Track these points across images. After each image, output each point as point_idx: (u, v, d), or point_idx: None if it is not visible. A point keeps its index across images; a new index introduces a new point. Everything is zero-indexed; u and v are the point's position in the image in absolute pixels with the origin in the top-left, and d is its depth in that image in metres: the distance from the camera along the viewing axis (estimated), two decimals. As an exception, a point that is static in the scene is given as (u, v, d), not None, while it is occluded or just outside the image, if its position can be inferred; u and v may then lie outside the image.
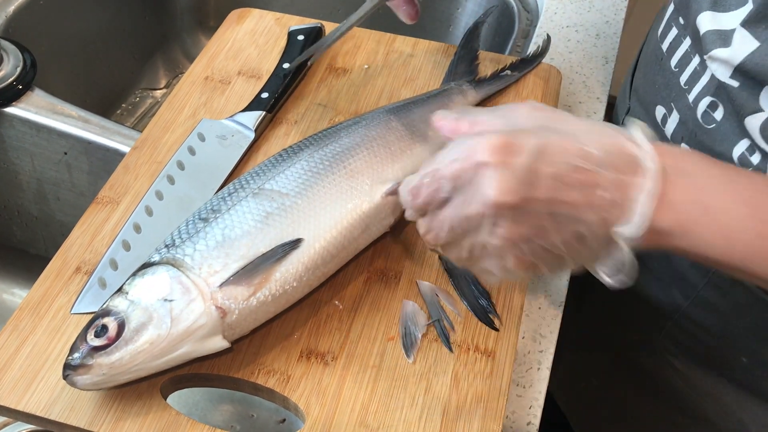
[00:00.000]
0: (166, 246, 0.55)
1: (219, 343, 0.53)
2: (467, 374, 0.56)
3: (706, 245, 0.45)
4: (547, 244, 0.45)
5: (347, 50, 0.81)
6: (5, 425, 0.75)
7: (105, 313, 0.52)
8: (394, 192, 0.58)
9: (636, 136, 0.46)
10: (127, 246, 0.63)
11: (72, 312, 0.59)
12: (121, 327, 0.51)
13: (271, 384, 0.55)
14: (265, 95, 0.74)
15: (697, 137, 0.60)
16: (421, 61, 0.81)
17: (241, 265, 0.53)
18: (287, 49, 0.78)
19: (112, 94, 1.06)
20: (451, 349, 0.57)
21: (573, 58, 0.88)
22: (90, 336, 0.51)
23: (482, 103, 0.75)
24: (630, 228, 0.44)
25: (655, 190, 0.44)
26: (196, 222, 0.56)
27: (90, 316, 0.58)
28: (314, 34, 0.79)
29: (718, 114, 0.58)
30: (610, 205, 0.44)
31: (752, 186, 0.46)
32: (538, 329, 0.64)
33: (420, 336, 0.58)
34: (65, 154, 0.77)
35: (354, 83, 0.78)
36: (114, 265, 0.62)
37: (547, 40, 0.79)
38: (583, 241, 0.45)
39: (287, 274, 0.54)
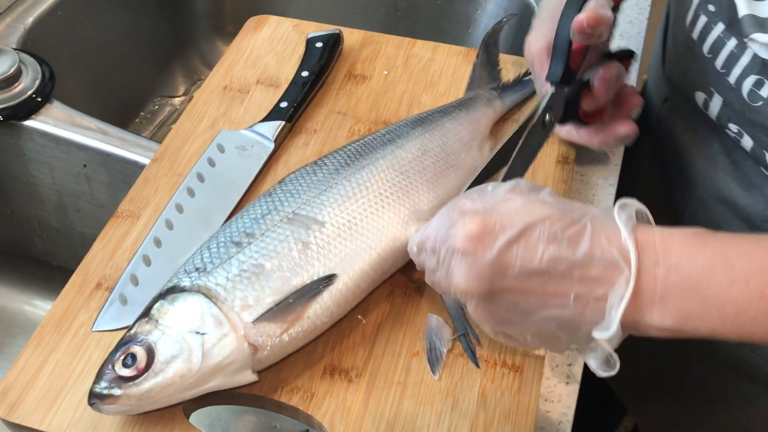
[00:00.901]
0: (197, 270, 0.53)
1: (248, 377, 0.52)
2: (494, 390, 0.55)
3: (704, 331, 0.44)
4: (522, 331, 0.47)
5: (366, 56, 0.80)
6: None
7: (134, 340, 0.51)
8: None
9: (620, 226, 0.44)
10: (147, 261, 0.62)
11: (93, 329, 0.58)
12: (150, 358, 0.49)
13: (294, 402, 0.55)
14: (284, 104, 0.73)
15: (746, 116, 0.60)
16: (441, 66, 0.79)
17: (275, 300, 0.52)
18: (306, 57, 0.77)
19: (130, 103, 1.05)
20: (477, 365, 0.56)
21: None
22: (118, 365, 0.50)
23: (509, 112, 0.74)
24: (606, 332, 0.44)
25: (629, 294, 0.43)
26: (228, 246, 0.54)
27: (111, 334, 0.58)
28: (333, 41, 0.78)
29: (765, 91, 0.57)
30: (581, 306, 0.44)
31: (747, 258, 0.44)
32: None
33: (445, 351, 0.57)
34: (84, 166, 0.77)
35: (374, 90, 0.77)
36: (135, 280, 0.61)
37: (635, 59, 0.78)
38: (557, 334, 0.46)
39: (319, 310, 0.53)
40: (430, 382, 0.56)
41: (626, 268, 0.43)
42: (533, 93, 0.75)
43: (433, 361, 0.56)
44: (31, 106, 0.77)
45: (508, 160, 0.57)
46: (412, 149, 0.62)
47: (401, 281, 0.61)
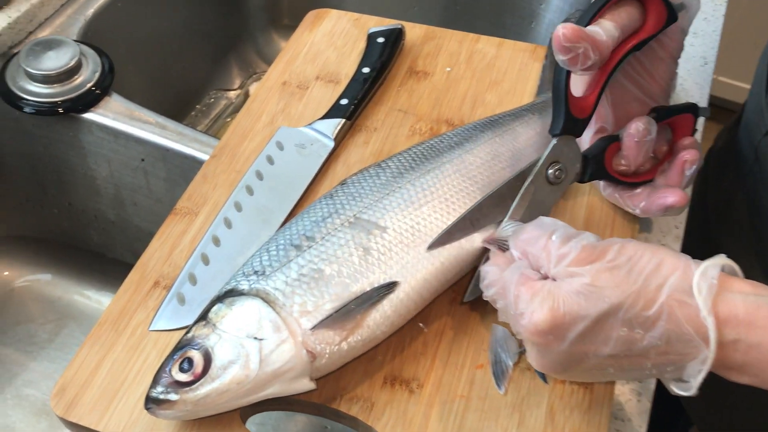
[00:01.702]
0: (256, 273, 0.52)
1: (306, 385, 0.50)
2: (563, 408, 0.52)
3: None
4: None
5: (428, 52, 0.78)
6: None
7: (191, 344, 0.49)
8: (490, 242, 0.55)
9: (700, 303, 0.42)
10: (206, 259, 0.61)
11: (150, 329, 0.57)
12: (207, 363, 0.48)
13: (354, 411, 0.53)
14: (344, 101, 0.71)
15: None
16: (506, 63, 0.76)
17: (334, 306, 0.50)
18: (367, 52, 0.75)
19: (186, 96, 1.05)
20: (545, 380, 0.54)
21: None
22: (175, 369, 0.49)
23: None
24: (686, 392, 0.44)
25: (707, 368, 0.43)
26: (288, 249, 0.53)
27: (168, 334, 0.57)
28: (395, 36, 0.76)
29: None
30: (658, 372, 0.44)
31: None
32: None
33: (512, 364, 0.54)
34: (142, 160, 0.76)
35: (436, 87, 0.74)
36: (193, 279, 0.60)
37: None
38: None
39: (379, 319, 0.51)
40: (495, 396, 0.53)
41: (705, 348, 0.42)
42: None
43: (499, 374, 0.54)
44: (90, 99, 0.76)
45: (507, 210, 0.55)
46: (481, 153, 0.59)
47: (465, 288, 0.59)
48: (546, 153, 0.56)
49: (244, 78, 1.12)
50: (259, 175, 0.66)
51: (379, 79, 0.74)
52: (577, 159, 0.57)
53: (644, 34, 0.56)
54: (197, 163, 0.73)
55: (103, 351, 0.56)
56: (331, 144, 0.68)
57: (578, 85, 0.56)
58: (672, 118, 0.60)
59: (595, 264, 0.44)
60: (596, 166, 0.59)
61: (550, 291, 0.44)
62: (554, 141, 0.56)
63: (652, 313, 0.42)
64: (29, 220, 0.89)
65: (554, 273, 0.46)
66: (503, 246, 0.52)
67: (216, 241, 0.62)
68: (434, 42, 0.79)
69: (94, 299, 0.91)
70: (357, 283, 0.51)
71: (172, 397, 0.48)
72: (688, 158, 0.59)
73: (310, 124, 0.70)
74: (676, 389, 0.44)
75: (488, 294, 0.50)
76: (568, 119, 0.55)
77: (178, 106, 1.03)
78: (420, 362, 0.55)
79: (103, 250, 0.90)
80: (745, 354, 0.42)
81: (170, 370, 0.49)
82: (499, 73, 0.76)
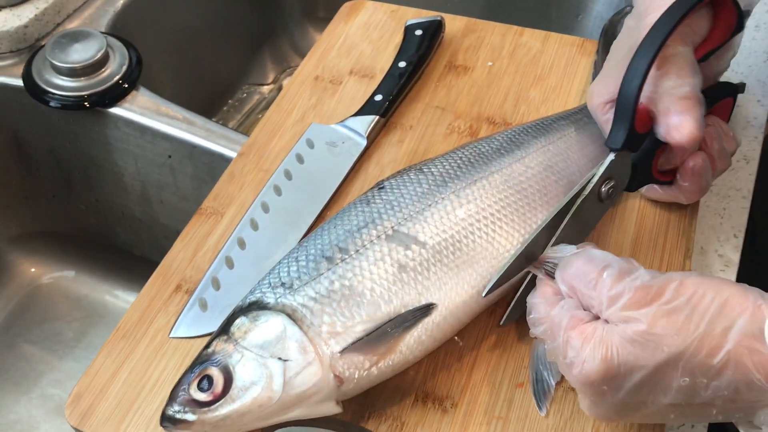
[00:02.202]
0: (283, 285, 0.48)
1: (332, 408, 0.47)
2: (611, 434, 0.48)
3: None
4: None
5: (469, 46, 0.73)
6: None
7: (211, 360, 0.46)
8: (537, 267, 0.50)
9: None
10: (230, 263, 0.58)
11: (170, 336, 0.55)
12: (228, 382, 0.45)
13: (382, 431, 0.49)
14: (378, 97, 0.67)
15: None
16: (552, 57, 0.72)
17: (365, 329, 0.47)
18: (403, 46, 0.72)
19: (218, 91, 1.02)
20: None
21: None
22: (193, 387, 0.45)
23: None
24: None
25: None
26: (318, 260, 0.49)
27: (188, 342, 0.54)
28: (433, 29, 0.72)
29: None
30: (725, 418, 0.41)
31: None
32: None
33: (554, 384, 0.50)
34: (169, 157, 0.74)
35: (476, 83, 0.70)
36: (216, 284, 0.57)
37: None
38: None
39: (412, 344, 0.48)
40: (535, 418, 0.49)
41: None
42: None
43: (540, 394, 0.50)
44: (117, 93, 0.74)
45: (552, 236, 0.50)
46: (533, 163, 0.54)
47: (506, 300, 0.55)
48: (602, 169, 0.51)
49: (277, 72, 1.09)
50: (288, 175, 0.63)
51: (415, 74, 0.70)
52: (627, 172, 0.53)
53: (710, 44, 0.52)
54: (225, 161, 0.70)
55: (121, 358, 0.54)
56: (364, 142, 0.65)
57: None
58: (713, 106, 0.57)
59: (652, 307, 0.40)
60: (645, 173, 0.55)
61: (602, 338, 0.40)
62: (612, 156, 0.51)
63: (718, 361, 0.38)
64: (56, 216, 0.87)
65: (607, 316, 0.41)
66: (550, 271, 0.48)
67: (241, 244, 0.59)
68: (475, 35, 0.74)
69: (122, 298, 0.89)
70: (390, 304, 0.47)
71: (189, 417, 0.45)
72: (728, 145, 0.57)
73: (342, 121, 0.66)
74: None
75: (536, 332, 0.46)
76: (632, 134, 0.50)
77: (210, 102, 1.01)
78: (455, 379, 0.51)
79: (131, 248, 0.87)
80: None
81: (188, 388, 0.45)
82: (544, 68, 0.71)
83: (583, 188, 0.51)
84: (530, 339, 0.52)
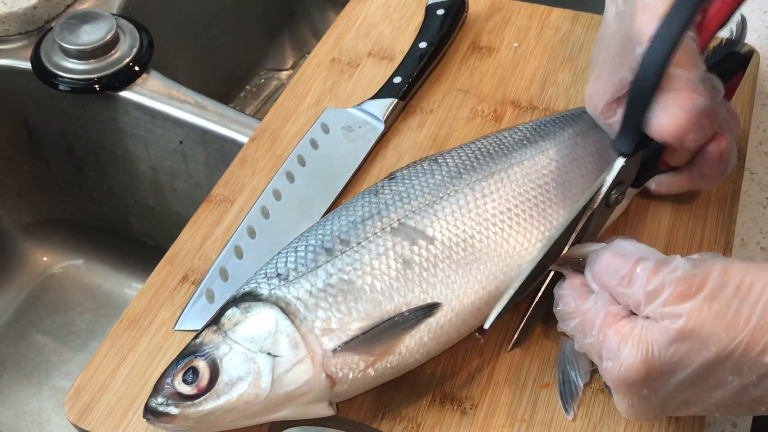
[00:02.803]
0: (278, 275, 0.46)
1: (324, 410, 0.44)
2: (644, 440, 0.44)
3: None
4: None
5: (493, 26, 0.70)
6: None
7: (198, 351, 0.44)
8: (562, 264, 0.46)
9: None
10: (239, 253, 0.55)
11: (175, 328, 0.52)
12: (213, 376, 0.42)
13: (397, 432, 0.46)
14: (397, 80, 0.64)
15: None
16: (582, 37, 0.68)
17: (362, 327, 0.43)
18: (424, 26, 0.68)
19: (235, 76, 0.99)
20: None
21: (771, 33, 0.72)
22: (178, 379, 0.43)
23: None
24: None
25: None
26: (317, 252, 0.46)
27: (193, 335, 0.51)
28: (456, 8, 0.68)
29: None
30: None
31: None
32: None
33: (582, 385, 0.46)
34: (181, 142, 0.71)
35: (501, 65, 0.67)
36: (224, 274, 0.54)
37: (742, 24, 0.64)
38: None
39: (413, 346, 0.44)
40: (561, 421, 0.46)
41: None
42: None
43: (567, 396, 0.46)
44: (128, 76, 0.71)
45: (560, 250, 0.46)
46: (558, 156, 0.50)
47: (530, 294, 0.51)
48: (612, 176, 0.46)
49: (297, 57, 1.06)
50: (301, 161, 0.60)
51: (437, 56, 0.66)
52: (635, 169, 0.49)
53: (716, 22, 0.48)
54: (238, 147, 0.67)
55: (123, 351, 0.51)
56: (381, 127, 0.61)
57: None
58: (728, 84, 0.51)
59: (696, 299, 0.36)
60: (653, 167, 0.50)
61: (642, 337, 0.37)
62: (622, 162, 0.46)
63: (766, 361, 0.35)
64: (68, 204, 0.85)
65: (647, 313, 0.38)
66: (577, 267, 0.44)
67: (251, 233, 0.56)
68: (500, 15, 0.71)
69: (135, 288, 0.87)
70: (391, 302, 0.44)
71: (172, 410, 0.42)
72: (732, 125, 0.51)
73: (358, 105, 0.63)
74: None
75: (565, 327, 0.43)
76: (644, 137, 0.46)
77: (227, 87, 0.98)
78: (475, 379, 0.48)
79: (144, 237, 0.85)
80: None
81: (173, 379, 0.43)
82: (573, 49, 0.67)
83: (592, 200, 0.46)
84: (557, 336, 0.49)
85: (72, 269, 0.87)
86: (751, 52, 0.55)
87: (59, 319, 0.85)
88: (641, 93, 0.44)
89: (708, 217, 0.55)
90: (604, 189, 0.46)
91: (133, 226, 0.84)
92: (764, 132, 0.64)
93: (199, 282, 0.54)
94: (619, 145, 0.47)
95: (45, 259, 0.87)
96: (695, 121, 0.44)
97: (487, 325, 0.44)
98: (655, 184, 0.53)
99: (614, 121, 0.48)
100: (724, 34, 0.64)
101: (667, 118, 0.44)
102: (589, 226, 0.47)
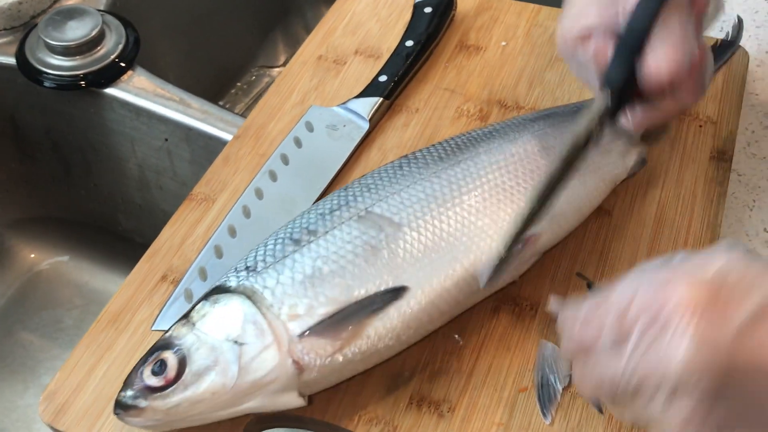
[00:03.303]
0: (247, 268, 0.46)
1: (293, 400, 0.44)
2: (621, 445, 0.44)
3: None
4: None
5: (481, 25, 0.69)
6: None
7: (167, 344, 0.43)
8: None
9: None
10: (219, 252, 0.55)
11: (153, 328, 0.51)
12: (181, 367, 0.42)
13: (373, 435, 0.46)
14: (383, 78, 0.63)
15: None
16: (570, 38, 0.67)
17: (329, 311, 0.43)
18: (412, 24, 0.67)
19: (227, 72, 0.99)
20: (600, 410, 0.45)
21: (762, 34, 0.71)
22: (147, 372, 0.43)
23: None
24: None
25: None
26: (286, 242, 0.46)
27: (171, 335, 0.51)
28: (444, 6, 0.68)
29: None
30: None
31: None
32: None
33: (561, 389, 0.46)
34: (166, 140, 0.71)
35: (488, 64, 0.66)
36: (203, 274, 0.54)
37: (738, 26, 0.63)
38: None
39: (382, 330, 0.44)
40: (539, 426, 0.45)
41: None
42: None
43: (545, 400, 0.46)
44: (113, 72, 0.71)
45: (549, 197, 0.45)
46: (527, 145, 0.50)
47: (510, 295, 0.51)
48: (597, 112, 0.45)
49: (289, 54, 1.06)
50: (285, 159, 0.60)
51: (423, 54, 0.66)
52: (610, 106, 0.46)
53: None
54: (222, 144, 0.66)
55: (100, 351, 0.51)
56: (366, 126, 0.61)
57: None
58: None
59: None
60: (626, 101, 0.47)
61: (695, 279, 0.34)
62: (607, 98, 0.45)
63: None
64: (55, 201, 0.85)
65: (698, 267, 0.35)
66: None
67: (232, 232, 0.56)
68: (489, 13, 0.70)
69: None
70: (359, 287, 0.44)
71: (141, 403, 0.42)
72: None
73: (343, 104, 0.63)
74: None
75: (590, 317, 0.38)
76: (633, 71, 0.44)
77: (218, 84, 0.97)
78: (453, 381, 0.47)
79: (132, 235, 0.85)
80: None
81: (142, 373, 0.43)
82: (561, 48, 0.67)
83: (580, 135, 0.45)
84: (536, 339, 0.49)
85: (59, 266, 0.87)
86: (738, 37, 0.55)
87: (46, 317, 0.85)
88: (635, 32, 0.44)
89: (693, 217, 0.54)
90: (592, 123, 0.45)
91: (120, 223, 0.84)
92: (752, 133, 0.63)
93: (178, 281, 0.54)
94: (608, 77, 0.45)
95: (32, 255, 0.87)
96: (688, 63, 0.44)
97: (482, 285, 0.44)
98: (628, 119, 0.48)
99: (588, 57, 0.46)
100: (719, 35, 0.64)
101: (663, 59, 0.43)
102: (574, 170, 0.46)
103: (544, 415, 0.45)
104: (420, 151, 0.52)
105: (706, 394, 0.32)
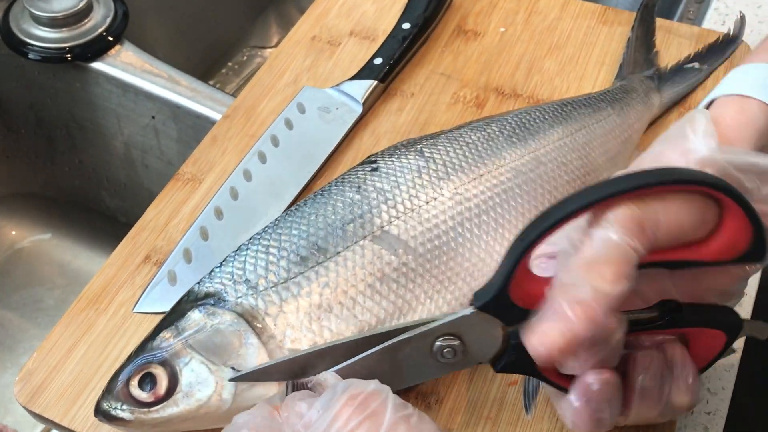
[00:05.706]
0: (246, 282, 0.43)
1: None
2: (612, 443, 0.43)
3: None
4: None
5: (480, 9, 0.68)
6: None
7: (156, 355, 0.41)
8: None
9: None
10: (205, 234, 0.53)
11: (134, 311, 0.50)
12: (172, 385, 0.40)
13: (358, 427, 0.44)
14: (378, 61, 0.62)
15: None
16: (570, 26, 0.66)
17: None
18: (409, 5, 0.66)
19: (217, 52, 0.97)
20: (527, 410, 0.44)
21: (765, 29, 0.70)
22: (133, 382, 0.41)
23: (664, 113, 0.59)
24: None
25: None
26: (291, 259, 0.43)
27: (152, 318, 0.49)
28: (442, -11, 0.66)
29: None
30: None
31: None
32: (705, 383, 0.49)
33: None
34: (153, 118, 0.69)
35: (486, 50, 0.65)
36: (188, 256, 0.52)
37: (740, 21, 0.62)
38: None
39: None
40: (528, 420, 0.44)
41: None
42: (697, 85, 0.60)
43: (530, 393, 0.44)
44: (100, 46, 0.69)
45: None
46: (545, 159, 0.48)
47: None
48: (441, 323, 0.37)
49: (282, 36, 1.03)
50: (275, 141, 0.58)
51: (420, 38, 0.64)
52: (493, 344, 0.38)
53: (699, 254, 0.36)
54: (211, 124, 0.65)
55: (79, 332, 0.49)
56: (359, 109, 0.59)
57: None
58: (687, 329, 0.39)
59: None
60: (526, 363, 0.36)
61: None
62: (465, 312, 0.37)
63: None
64: (38, 178, 0.83)
65: None
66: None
67: (218, 214, 0.54)
68: (488, -2, 0.69)
69: (106, 266, 0.84)
70: (366, 321, 0.42)
71: (126, 416, 0.40)
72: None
73: (337, 86, 0.61)
74: None
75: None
76: (505, 302, 0.36)
77: (208, 63, 0.95)
78: (441, 373, 0.46)
79: (116, 214, 0.83)
80: None
81: (128, 382, 0.41)
82: (561, 36, 0.65)
83: (414, 332, 0.38)
84: (528, 332, 0.47)
85: (41, 244, 0.85)
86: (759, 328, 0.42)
87: (26, 295, 0.83)
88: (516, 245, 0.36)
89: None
90: (427, 328, 0.37)
91: (104, 201, 0.82)
92: (752, 129, 0.62)
93: (162, 263, 0.52)
94: (475, 294, 0.37)
95: (13, 233, 0.85)
96: (578, 346, 0.34)
97: None
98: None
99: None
100: (722, 30, 0.63)
101: (539, 337, 0.34)
102: (407, 365, 0.38)
103: (526, 408, 0.44)
104: (437, 147, 0.48)
105: None
